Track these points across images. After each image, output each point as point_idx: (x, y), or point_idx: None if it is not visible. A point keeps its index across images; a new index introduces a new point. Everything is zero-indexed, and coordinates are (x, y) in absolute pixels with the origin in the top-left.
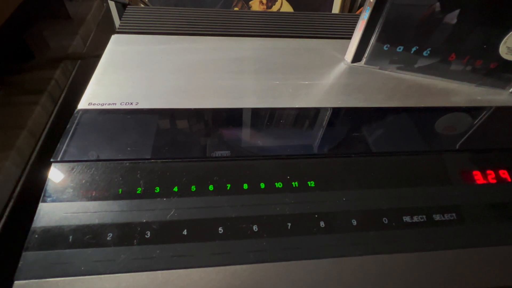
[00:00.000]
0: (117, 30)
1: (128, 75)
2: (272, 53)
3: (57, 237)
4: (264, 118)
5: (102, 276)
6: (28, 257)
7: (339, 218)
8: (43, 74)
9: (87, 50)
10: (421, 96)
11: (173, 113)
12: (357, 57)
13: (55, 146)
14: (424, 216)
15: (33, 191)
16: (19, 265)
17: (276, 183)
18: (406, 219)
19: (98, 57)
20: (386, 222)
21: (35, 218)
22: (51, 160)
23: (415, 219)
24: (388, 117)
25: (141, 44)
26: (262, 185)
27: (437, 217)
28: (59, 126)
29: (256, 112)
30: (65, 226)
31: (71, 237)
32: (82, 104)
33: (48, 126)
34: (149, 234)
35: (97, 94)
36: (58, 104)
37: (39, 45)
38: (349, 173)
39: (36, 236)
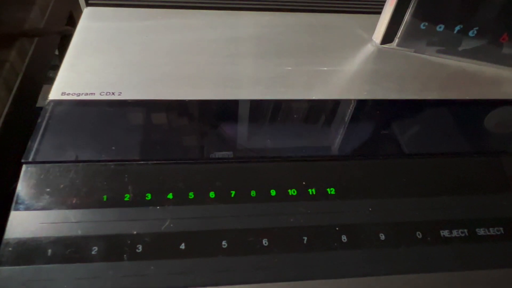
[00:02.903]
0: (90, 1)
1: (107, 58)
2: (283, 31)
3: (34, 251)
4: (273, 112)
5: None
6: (2, 272)
7: (364, 231)
8: None
9: (46, 25)
10: (466, 86)
11: (164, 105)
12: (387, 37)
13: (13, 145)
14: (465, 230)
15: None
16: None
17: (289, 190)
18: (444, 233)
19: (60, 33)
20: (420, 236)
21: (7, 228)
22: (22, 161)
23: (455, 233)
24: (425, 112)
25: (121, 20)
26: (273, 192)
27: (481, 231)
28: (17, 120)
29: (263, 105)
30: (43, 238)
31: (50, 250)
32: (54, 94)
33: (2, 120)
34: (140, 248)
35: (71, 82)
36: (13, 92)
37: None
38: (376, 178)
39: (10, 249)
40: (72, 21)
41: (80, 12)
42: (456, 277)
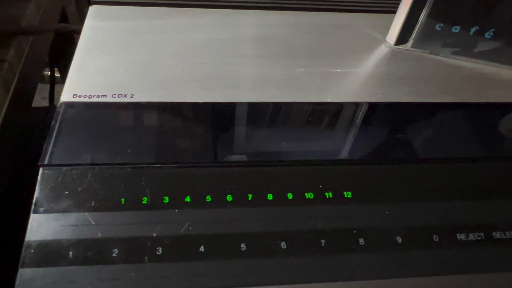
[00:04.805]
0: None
1: (116, 59)
2: (294, 31)
3: (55, 253)
4: (288, 115)
5: None
6: (25, 274)
7: (381, 234)
8: None
9: (41, 22)
10: (482, 88)
11: (177, 108)
12: (402, 38)
13: (10, 148)
14: (482, 234)
15: None
16: (16, 283)
17: (306, 194)
18: (461, 236)
19: (57, 31)
20: (437, 240)
21: (28, 230)
22: (39, 163)
23: (471, 237)
24: (440, 115)
25: (128, 19)
26: (290, 196)
27: (497, 234)
28: (14, 121)
29: (277, 108)
30: (64, 240)
31: (71, 252)
32: (65, 96)
33: (0, 121)
34: (160, 250)
35: (81, 84)
36: (11, 92)
37: None
38: (392, 182)
39: (32, 251)
40: (64, 17)
41: (72, 7)
42: (472, 280)
